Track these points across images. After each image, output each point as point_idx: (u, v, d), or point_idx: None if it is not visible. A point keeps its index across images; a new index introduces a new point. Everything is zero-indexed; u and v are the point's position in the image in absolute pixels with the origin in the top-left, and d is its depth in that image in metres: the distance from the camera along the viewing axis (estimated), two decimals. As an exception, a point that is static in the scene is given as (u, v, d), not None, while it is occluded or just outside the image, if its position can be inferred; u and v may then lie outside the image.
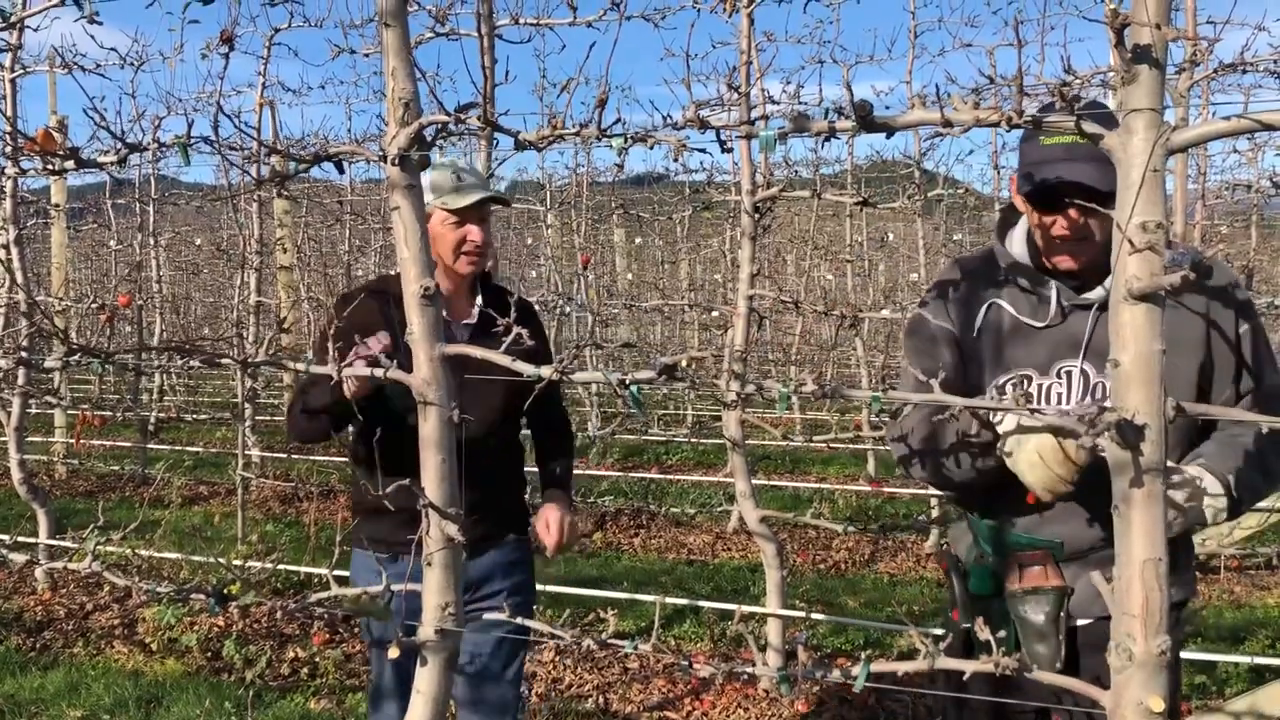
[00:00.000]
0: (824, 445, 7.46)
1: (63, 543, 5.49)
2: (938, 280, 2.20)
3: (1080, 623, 2.01)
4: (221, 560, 2.36)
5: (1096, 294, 1.97)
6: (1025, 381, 1.95)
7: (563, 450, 2.81)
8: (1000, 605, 2.02)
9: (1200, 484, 1.80)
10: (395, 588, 1.73)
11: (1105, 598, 1.34)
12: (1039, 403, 2.00)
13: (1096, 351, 1.97)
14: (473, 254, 2.58)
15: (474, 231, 2.56)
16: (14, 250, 5.45)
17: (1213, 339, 1.95)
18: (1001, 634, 1.98)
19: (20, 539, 5.41)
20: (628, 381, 1.43)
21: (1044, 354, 2.01)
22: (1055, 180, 1.87)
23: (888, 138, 1.32)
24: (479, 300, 2.65)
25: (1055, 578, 1.98)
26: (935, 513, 6.01)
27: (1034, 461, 1.74)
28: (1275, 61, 4.56)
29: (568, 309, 6.23)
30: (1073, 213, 1.91)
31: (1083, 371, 1.98)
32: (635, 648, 1.61)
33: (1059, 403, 1.99)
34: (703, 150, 1.41)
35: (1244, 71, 4.76)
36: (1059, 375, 2.00)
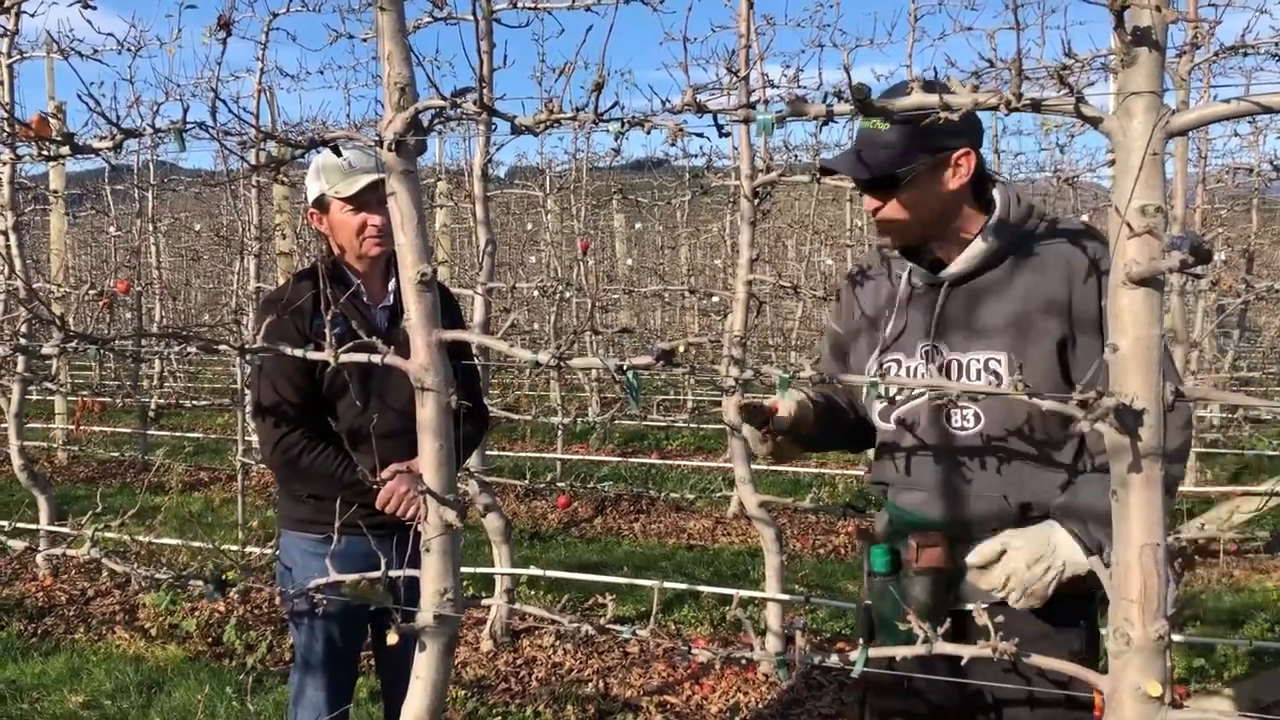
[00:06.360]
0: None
1: (63, 529, 5.49)
2: (855, 266, 2.26)
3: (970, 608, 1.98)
4: (221, 546, 2.37)
5: (946, 272, 1.97)
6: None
7: (466, 435, 2.64)
8: (898, 583, 1.99)
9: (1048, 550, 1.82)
10: (394, 572, 1.74)
11: (1104, 583, 1.34)
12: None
13: (944, 327, 1.97)
14: (375, 237, 2.62)
15: (372, 215, 2.59)
16: (12, 237, 5.44)
17: (1075, 312, 1.85)
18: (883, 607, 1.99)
19: (21, 525, 5.43)
20: (625, 368, 1.42)
21: (907, 335, 2.02)
22: (827, 164, 1.99)
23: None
24: (393, 283, 2.67)
25: (948, 560, 1.95)
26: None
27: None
28: (1276, 44, 4.53)
29: (567, 294, 6.22)
30: (867, 197, 1.96)
31: (935, 348, 1.97)
32: (634, 633, 1.61)
33: None
34: (700, 135, 1.41)
35: (1245, 54, 4.73)
36: (922, 355, 1.99)
